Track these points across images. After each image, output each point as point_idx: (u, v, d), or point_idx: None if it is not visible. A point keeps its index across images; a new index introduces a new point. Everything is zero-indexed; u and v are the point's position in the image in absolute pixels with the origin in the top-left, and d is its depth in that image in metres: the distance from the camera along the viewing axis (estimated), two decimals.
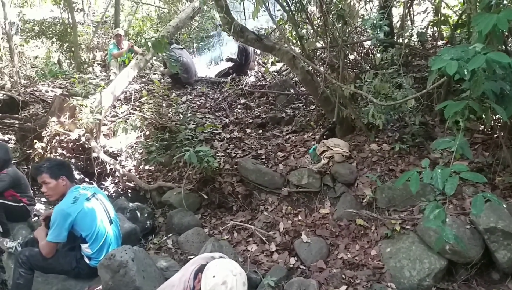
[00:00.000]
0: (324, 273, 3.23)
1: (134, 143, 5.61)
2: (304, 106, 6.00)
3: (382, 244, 3.35)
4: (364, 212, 3.67)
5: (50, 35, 9.30)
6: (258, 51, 8.98)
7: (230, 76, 7.48)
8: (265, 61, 8.62)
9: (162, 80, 7.61)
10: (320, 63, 5.52)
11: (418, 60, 5.24)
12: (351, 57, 5.60)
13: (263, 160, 4.79)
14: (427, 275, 2.98)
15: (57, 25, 9.53)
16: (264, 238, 3.75)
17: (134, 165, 5.42)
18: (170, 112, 5.95)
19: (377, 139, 4.39)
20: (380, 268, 3.18)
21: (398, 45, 4.45)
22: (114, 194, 5.19)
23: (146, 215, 4.45)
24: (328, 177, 4.17)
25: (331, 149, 4.22)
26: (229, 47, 9.59)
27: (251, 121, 5.88)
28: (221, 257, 1.95)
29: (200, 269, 1.83)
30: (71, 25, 8.88)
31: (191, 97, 6.99)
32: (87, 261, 2.96)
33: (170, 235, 4.10)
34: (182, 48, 7.56)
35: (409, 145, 4.02)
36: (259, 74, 7.68)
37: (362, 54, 5.72)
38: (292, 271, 3.38)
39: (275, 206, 4.31)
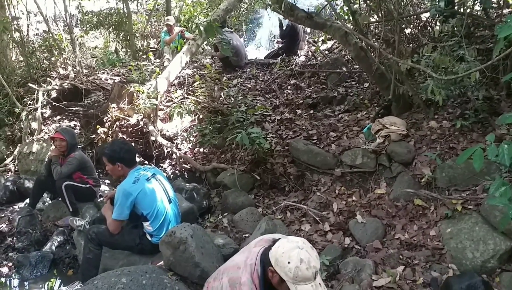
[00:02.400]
0: (380, 253, 3.17)
1: (189, 127, 5.79)
2: (357, 84, 5.83)
3: (442, 224, 3.21)
4: (422, 192, 3.53)
5: (107, 25, 9.73)
6: (308, 30, 8.83)
7: (280, 57, 7.42)
8: (316, 39, 8.45)
9: (213, 64, 7.72)
10: (374, 39, 5.30)
11: (481, 30, 4.86)
12: (407, 30, 5.32)
13: (315, 141, 4.74)
14: (492, 256, 2.83)
15: (113, 15, 9.92)
16: (317, 218, 3.75)
17: (189, 148, 5.60)
18: (222, 96, 6.04)
19: (436, 116, 4.16)
20: (440, 249, 3.07)
21: (460, 15, 4.15)
22: (171, 175, 5.41)
23: (202, 195, 4.60)
24: (384, 157, 4.04)
25: (387, 128, 4.08)
26: (276, 27, 9.49)
27: (301, 101, 5.82)
28: (281, 238, 1.94)
29: (265, 254, 1.82)
30: (126, 15, 9.22)
31: (241, 80, 7.05)
32: (149, 238, 3.14)
33: (225, 214, 4.22)
34: (232, 31, 7.61)
35: (472, 122, 3.78)
36: (309, 53, 7.54)
37: (419, 27, 5.41)
38: (347, 250, 3.35)
39: (328, 186, 4.27)
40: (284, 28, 7.99)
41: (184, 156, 5.35)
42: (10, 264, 3.77)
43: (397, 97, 4.35)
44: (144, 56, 8.95)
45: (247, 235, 3.68)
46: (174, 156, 5.43)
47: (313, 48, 7.63)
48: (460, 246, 2.98)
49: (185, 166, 5.34)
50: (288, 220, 3.90)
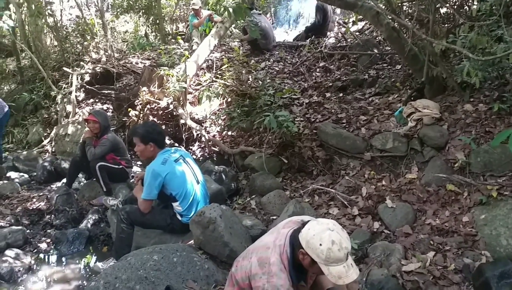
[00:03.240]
0: (410, 238, 3.12)
1: (217, 110, 5.82)
2: (388, 66, 5.66)
3: (476, 210, 3.13)
4: (455, 177, 3.43)
5: (137, 9, 9.83)
6: (338, 11, 8.61)
7: (309, 39, 7.29)
8: (346, 20, 8.23)
9: (242, 47, 7.69)
10: (407, 19, 5.11)
11: None
12: (443, 10, 5.10)
13: (344, 124, 4.67)
14: None
15: None
16: (345, 202, 3.72)
17: (218, 131, 5.65)
18: (250, 79, 6.03)
19: (472, 99, 4.00)
20: (473, 236, 2.99)
21: None
22: (201, 158, 5.50)
23: (230, 177, 4.66)
24: (416, 141, 3.94)
25: (420, 111, 3.96)
26: (307, 8, 9.32)
27: (330, 84, 5.72)
28: (307, 221, 1.94)
29: (295, 236, 1.83)
30: None
31: (269, 63, 6.99)
32: (179, 218, 3.22)
33: (253, 196, 4.26)
34: (260, 13, 7.52)
35: (510, 105, 3.61)
36: (339, 34, 7.37)
37: (456, 6, 5.17)
38: (375, 235, 3.32)
39: (357, 171, 4.22)
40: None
41: (212, 139, 5.41)
42: (49, 240, 3.95)
43: (431, 80, 4.21)
44: (173, 40, 9.02)
45: (274, 217, 3.71)
46: (203, 139, 5.51)
47: (343, 29, 7.44)
48: (494, 233, 2.89)
49: (214, 149, 5.41)
50: (316, 203, 3.89)
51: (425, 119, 3.90)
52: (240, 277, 1.91)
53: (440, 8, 4.82)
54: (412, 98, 4.40)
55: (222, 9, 9.30)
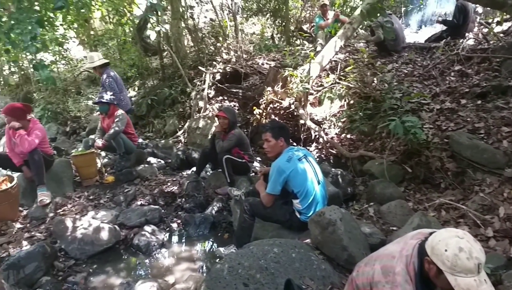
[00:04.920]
0: None
1: (338, 112, 5.78)
2: None
3: None
4: None
5: (265, 12, 10.27)
6: (480, 10, 7.75)
7: (444, 40, 6.72)
8: (488, 20, 7.37)
9: (367, 49, 7.47)
10: None
11: None
12: None
13: (482, 135, 4.21)
14: None
15: (271, 2, 10.41)
16: (478, 221, 3.36)
17: (336, 133, 5.61)
18: (375, 81, 5.83)
19: None
20: None
21: None
22: (317, 159, 5.53)
23: (347, 181, 4.59)
24: None
25: None
26: (443, 7, 8.58)
27: (467, 90, 5.19)
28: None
29: (422, 246, 1.73)
30: (283, 1, 9.58)
31: (397, 65, 6.66)
32: (298, 216, 3.31)
33: (371, 203, 4.13)
34: (390, 13, 7.21)
35: None
36: (480, 36, 6.63)
37: None
38: None
39: (494, 188, 3.77)
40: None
41: (331, 141, 5.40)
42: (179, 221, 4.42)
43: None
44: (298, 42, 9.20)
45: (394, 228, 3.54)
46: (321, 140, 5.53)
47: (485, 30, 6.68)
48: None
49: (331, 151, 5.39)
50: (443, 219, 3.60)
51: None
52: (361, 283, 1.89)
53: None
54: None
55: (349, 9, 9.17)
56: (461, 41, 6.52)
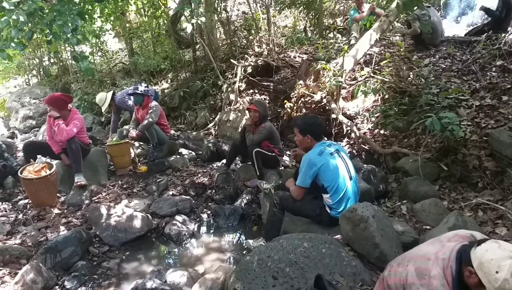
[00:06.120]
0: None
1: (371, 107, 5.66)
2: None
3: None
4: None
5: (299, 5, 10.15)
6: None
7: (485, 34, 6.42)
8: None
9: (404, 42, 7.25)
10: None
11: None
12: None
13: None
14: None
15: None
16: None
17: (369, 128, 5.50)
18: (411, 76, 5.66)
19: None
20: None
21: None
22: (348, 154, 5.42)
23: (379, 178, 4.49)
24: None
25: None
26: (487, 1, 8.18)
27: (509, 86, 4.95)
28: (482, 238, 1.73)
29: (465, 251, 1.66)
30: None
31: (434, 59, 6.43)
32: (328, 211, 3.27)
33: (404, 201, 4.03)
34: (429, 6, 6.96)
35: None
36: None
37: None
38: None
39: None
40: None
41: (363, 136, 5.29)
42: (209, 212, 4.48)
43: None
44: (331, 35, 9.05)
45: (428, 227, 3.45)
46: (353, 135, 5.44)
47: None
48: None
49: (363, 146, 5.29)
50: (479, 219, 3.46)
51: None
52: (393, 283, 1.84)
53: None
54: None
55: (384, 2, 8.93)
56: (503, 35, 6.22)
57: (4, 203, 4.45)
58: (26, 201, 4.44)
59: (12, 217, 4.12)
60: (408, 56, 6.25)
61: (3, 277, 2.96)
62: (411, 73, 5.71)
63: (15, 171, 4.81)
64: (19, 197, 4.62)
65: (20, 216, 4.14)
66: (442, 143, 4.27)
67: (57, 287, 3.02)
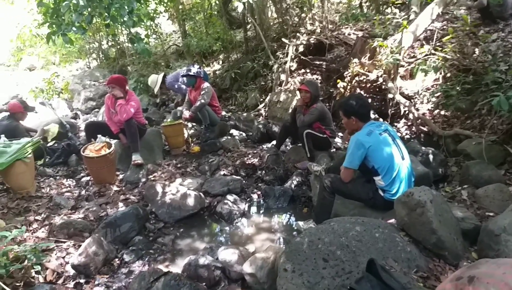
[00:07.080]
0: None
1: (432, 86, 5.34)
2: None
3: None
4: None
5: None
6: None
7: None
8: None
9: (469, 16, 6.70)
10: None
11: None
12: None
13: None
14: None
15: None
16: None
17: (429, 109, 5.20)
18: (476, 52, 5.24)
19: None
20: None
21: None
22: (406, 136, 5.20)
23: (438, 161, 4.25)
24: None
25: None
26: None
27: None
28: None
29: None
30: None
31: (503, 34, 5.89)
32: (381, 194, 3.16)
33: (465, 186, 3.79)
34: None
35: None
36: None
37: None
38: None
39: None
40: None
41: (422, 117, 5.03)
42: (259, 192, 4.51)
43: None
44: (389, 10, 8.57)
45: (491, 214, 3.22)
46: (410, 116, 5.18)
47: None
48: None
49: (422, 128, 5.03)
50: None
51: None
52: None
53: None
54: None
55: None
56: None
57: (68, 179, 4.79)
58: (88, 178, 4.73)
59: (76, 193, 4.42)
60: (473, 31, 5.77)
61: (68, 248, 3.20)
62: (476, 49, 5.29)
63: (78, 149, 5.13)
64: (82, 175, 4.94)
65: (83, 192, 4.43)
66: (510, 125, 3.94)
67: (116, 259, 3.21)
